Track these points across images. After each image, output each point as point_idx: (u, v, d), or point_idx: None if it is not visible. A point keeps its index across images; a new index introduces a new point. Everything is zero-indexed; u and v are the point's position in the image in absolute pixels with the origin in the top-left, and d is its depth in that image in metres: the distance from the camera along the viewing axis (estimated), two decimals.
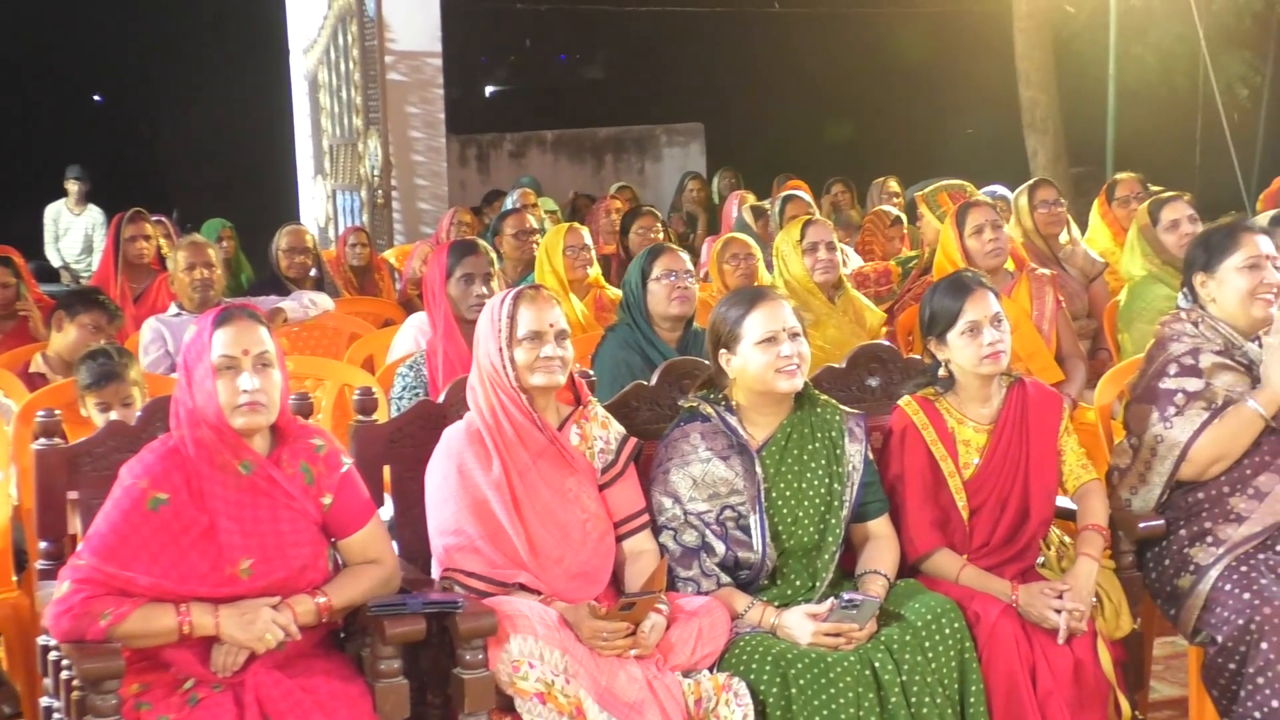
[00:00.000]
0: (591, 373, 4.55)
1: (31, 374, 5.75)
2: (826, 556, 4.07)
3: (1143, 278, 6.06)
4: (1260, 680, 3.90)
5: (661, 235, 8.39)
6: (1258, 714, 3.92)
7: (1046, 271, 6.25)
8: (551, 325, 3.96)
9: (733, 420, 4.07)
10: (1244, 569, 4.08)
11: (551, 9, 20.34)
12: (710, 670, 3.79)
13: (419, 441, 4.08)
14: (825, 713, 3.72)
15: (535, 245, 7.13)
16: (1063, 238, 6.86)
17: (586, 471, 4.00)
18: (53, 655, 3.63)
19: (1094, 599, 4.06)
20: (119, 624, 3.34)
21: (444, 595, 3.66)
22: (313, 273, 8.01)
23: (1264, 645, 3.90)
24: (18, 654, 4.69)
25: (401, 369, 5.11)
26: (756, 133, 19.23)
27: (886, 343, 4.82)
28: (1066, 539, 4.36)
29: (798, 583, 4.06)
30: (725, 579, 4.00)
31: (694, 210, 11.96)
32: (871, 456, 4.18)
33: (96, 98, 21.13)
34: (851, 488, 4.10)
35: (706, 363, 4.24)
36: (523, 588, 3.84)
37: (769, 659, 3.77)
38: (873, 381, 4.57)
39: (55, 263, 12.78)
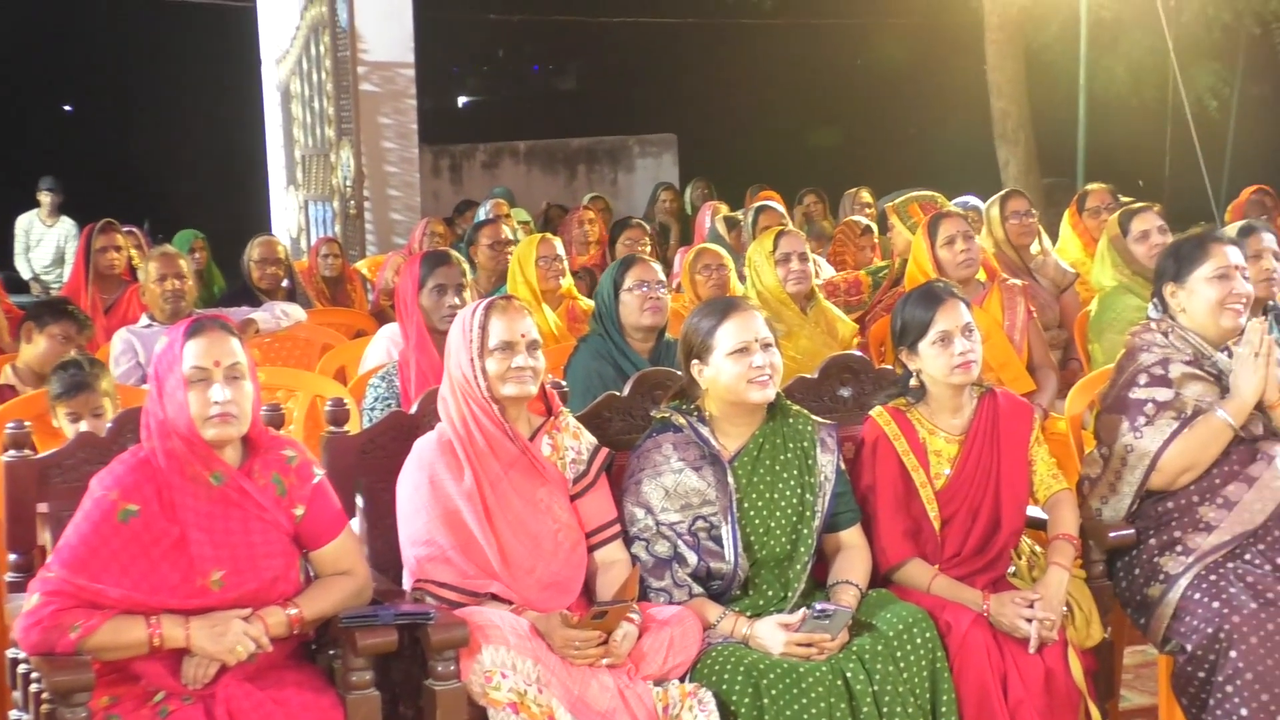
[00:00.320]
0: (564, 383, 4.55)
1: (0, 386, 5.72)
2: (799, 567, 4.07)
3: (1113, 288, 6.09)
4: (1229, 689, 3.91)
5: (649, 248, 8.41)
6: None
7: (1018, 282, 6.28)
8: (523, 335, 3.96)
9: (705, 431, 4.08)
10: (1213, 578, 4.10)
11: (524, 20, 20.38)
12: (681, 680, 3.79)
13: (391, 452, 4.07)
14: None
15: (510, 256, 7.13)
16: (1034, 248, 6.90)
17: (558, 482, 4.00)
18: (22, 668, 3.60)
19: (1065, 608, 4.08)
20: (89, 636, 3.33)
21: (416, 606, 3.65)
22: (285, 283, 8.00)
23: (1233, 654, 3.91)
24: None
25: (374, 380, 5.10)
26: (729, 143, 19.28)
27: (858, 353, 4.84)
28: (1037, 548, 4.37)
29: (770, 593, 4.07)
30: (697, 589, 4.00)
31: (666, 221, 11.97)
32: (843, 467, 4.19)
33: (67, 108, 21.06)
34: (823, 498, 4.11)
35: (679, 373, 4.25)
36: (494, 598, 3.83)
37: (741, 669, 3.77)
38: (845, 392, 4.58)
39: (25, 274, 12.71)
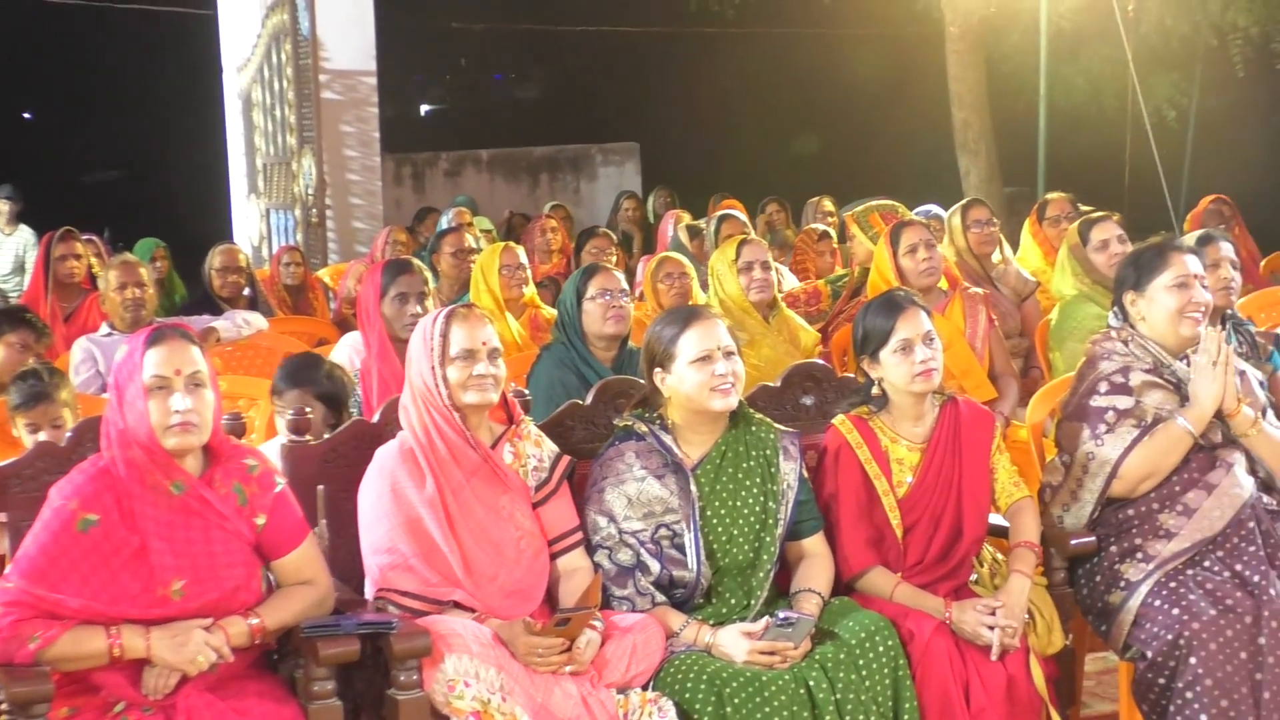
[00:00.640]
0: (527, 392, 4.55)
1: None
2: (761, 575, 4.08)
3: (1073, 297, 6.12)
4: (1189, 695, 3.93)
5: (615, 257, 8.41)
6: None
7: (979, 290, 6.30)
8: (484, 343, 3.95)
9: (667, 439, 4.08)
10: (1173, 585, 4.12)
11: (487, 29, 20.37)
12: (644, 688, 3.79)
13: (353, 461, 4.06)
14: None
15: (473, 264, 7.13)
16: (995, 257, 6.94)
17: (520, 489, 4.00)
18: None
19: (1026, 615, 4.09)
20: (48, 647, 3.31)
21: (378, 616, 3.64)
22: (246, 292, 7.98)
23: (1193, 660, 3.94)
24: None
25: None
26: (692, 152, 19.29)
27: (821, 362, 4.84)
28: (999, 556, 4.38)
29: (733, 601, 4.07)
30: (660, 598, 4.00)
31: (629, 229, 11.98)
32: (806, 474, 4.20)
33: (26, 115, 20.94)
34: (786, 505, 4.11)
35: (641, 382, 4.25)
36: (457, 605, 3.83)
37: (704, 678, 3.77)
38: (807, 400, 4.59)
39: None
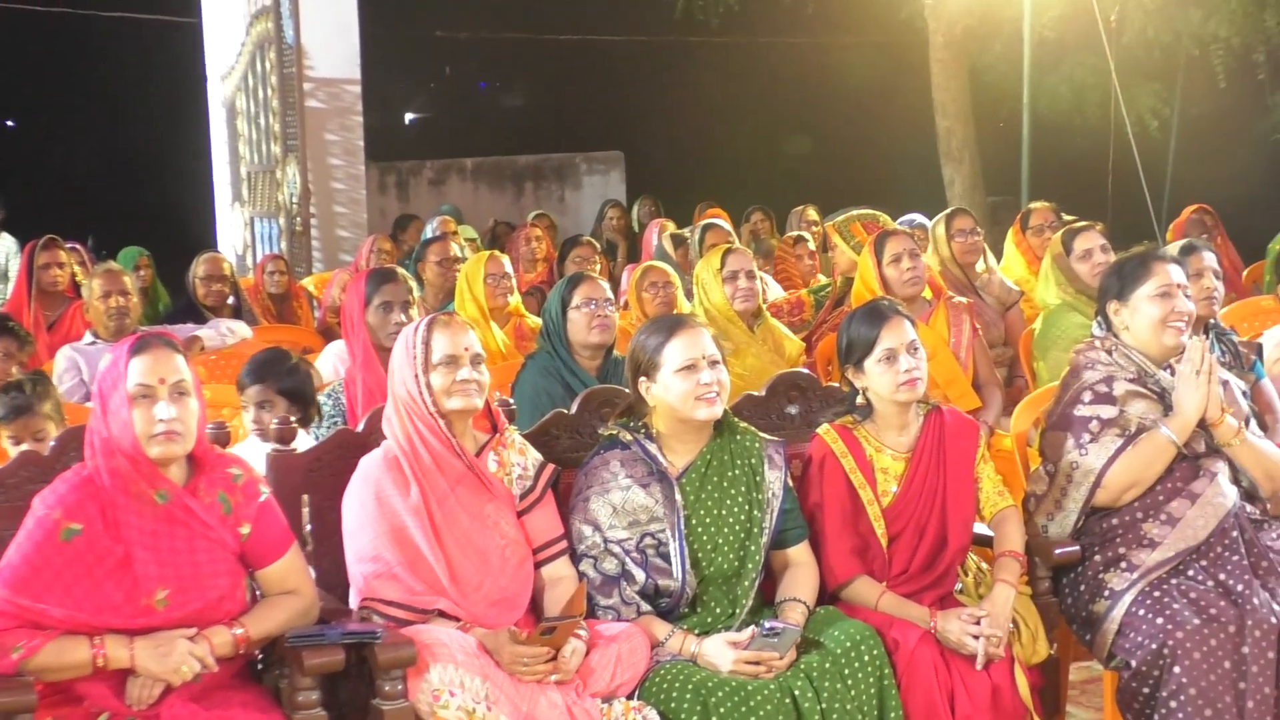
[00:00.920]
0: (512, 401, 4.54)
1: None
2: (746, 583, 4.08)
3: (1057, 306, 6.14)
4: (1173, 704, 3.94)
5: (599, 265, 8.41)
6: None
7: (963, 299, 6.31)
8: (467, 349, 3.96)
9: (652, 448, 4.08)
10: (1157, 594, 4.13)
11: (471, 37, 20.36)
12: (629, 697, 3.79)
13: (338, 470, 4.05)
14: None
15: (458, 273, 7.12)
16: (979, 266, 6.94)
17: (505, 497, 4.00)
18: None
19: (1011, 625, 4.10)
20: (31, 657, 3.30)
21: (363, 625, 3.64)
22: (230, 300, 7.97)
23: (1176, 669, 3.94)
24: None
25: (320, 397, 5.08)
26: (676, 161, 19.30)
27: (806, 371, 4.85)
28: (984, 565, 4.39)
29: (718, 610, 4.07)
30: (645, 607, 4.00)
31: (614, 238, 11.97)
32: (791, 483, 4.20)
33: (9, 123, 20.88)
34: (771, 514, 4.11)
35: (626, 390, 4.25)
36: (442, 614, 3.82)
37: (689, 687, 3.77)
38: (792, 409, 4.59)
39: None
